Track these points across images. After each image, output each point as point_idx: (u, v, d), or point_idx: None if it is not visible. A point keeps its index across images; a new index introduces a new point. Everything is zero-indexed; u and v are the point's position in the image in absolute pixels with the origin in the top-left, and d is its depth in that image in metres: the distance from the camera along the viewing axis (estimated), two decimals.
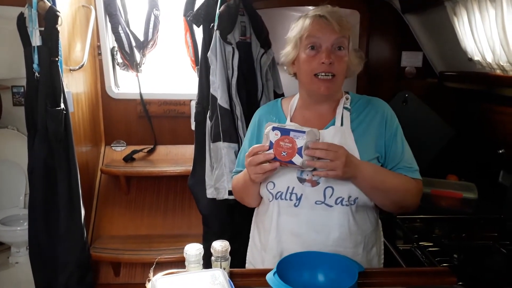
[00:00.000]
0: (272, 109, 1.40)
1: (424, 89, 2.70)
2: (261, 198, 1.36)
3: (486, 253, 1.75)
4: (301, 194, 1.23)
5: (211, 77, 2.12)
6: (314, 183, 1.22)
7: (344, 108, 1.30)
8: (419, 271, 1.30)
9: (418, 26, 2.57)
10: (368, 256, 1.30)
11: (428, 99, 2.66)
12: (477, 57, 1.99)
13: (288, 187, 1.24)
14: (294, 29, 1.30)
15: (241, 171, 1.41)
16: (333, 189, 1.22)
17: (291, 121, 1.33)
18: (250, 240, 1.48)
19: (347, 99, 1.33)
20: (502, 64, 1.78)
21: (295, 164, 1.11)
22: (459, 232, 1.91)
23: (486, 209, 2.14)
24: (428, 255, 1.68)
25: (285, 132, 1.11)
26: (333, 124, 1.28)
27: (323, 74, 1.22)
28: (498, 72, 1.86)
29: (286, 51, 1.33)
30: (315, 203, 1.23)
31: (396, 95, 2.67)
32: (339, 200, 1.22)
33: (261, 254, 1.36)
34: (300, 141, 1.10)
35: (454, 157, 2.57)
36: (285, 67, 1.38)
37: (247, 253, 1.49)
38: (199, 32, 2.32)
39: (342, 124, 1.28)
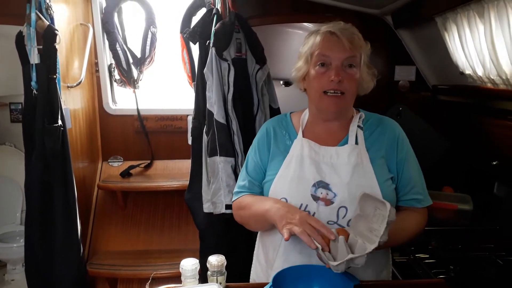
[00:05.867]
0: (281, 123, 1.38)
1: (418, 102, 2.73)
2: None
3: (483, 264, 1.76)
4: (314, 213, 1.20)
5: (207, 93, 2.14)
6: (328, 202, 1.20)
7: (358, 126, 1.29)
8: (415, 283, 1.31)
9: (411, 41, 2.62)
10: (378, 279, 1.27)
11: (422, 112, 2.68)
12: (468, 71, 2.02)
13: (302, 204, 1.21)
14: (305, 44, 1.29)
15: (247, 186, 1.35)
16: (346, 209, 1.19)
17: (303, 136, 1.30)
18: (254, 257, 1.45)
19: (360, 117, 1.31)
20: (492, 77, 1.81)
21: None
22: (455, 244, 1.91)
23: (481, 220, 2.15)
24: (424, 267, 1.69)
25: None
26: (346, 142, 1.27)
27: (332, 91, 1.21)
28: (489, 85, 1.89)
29: (297, 66, 1.32)
30: (328, 223, 1.19)
31: (390, 109, 2.70)
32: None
33: (267, 272, 1.32)
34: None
35: (449, 169, 2.58)
36: (295, 83, 1.36)
37: (251, 271, 1.45)
38: (195, 48, 2.35)
39: (356, 143, 1.26)
